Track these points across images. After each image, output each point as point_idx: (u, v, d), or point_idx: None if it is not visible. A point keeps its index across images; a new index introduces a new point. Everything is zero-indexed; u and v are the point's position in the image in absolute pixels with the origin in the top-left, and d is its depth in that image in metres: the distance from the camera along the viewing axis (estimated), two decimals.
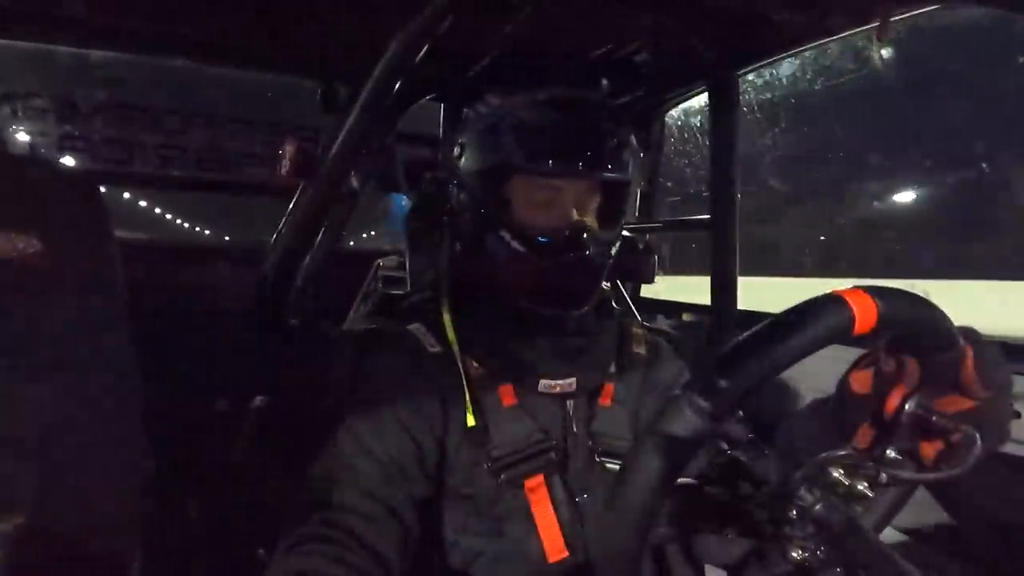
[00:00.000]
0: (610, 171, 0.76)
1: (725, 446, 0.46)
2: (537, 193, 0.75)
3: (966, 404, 0.46)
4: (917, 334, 0.43)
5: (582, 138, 0.75)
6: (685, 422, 0.37)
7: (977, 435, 0.44)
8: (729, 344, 0.38)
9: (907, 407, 0.46)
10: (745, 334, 0.39)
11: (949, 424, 0.44)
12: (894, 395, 0.48)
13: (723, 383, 0.37)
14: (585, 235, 0.73)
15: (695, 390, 0.37)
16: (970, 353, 0.45)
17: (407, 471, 0.70)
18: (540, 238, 0.74)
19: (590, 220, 0.76)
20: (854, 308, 0.38)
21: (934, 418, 0.45)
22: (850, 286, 0.40)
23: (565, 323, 0.79)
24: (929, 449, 0.47)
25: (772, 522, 0.43)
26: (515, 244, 0.74)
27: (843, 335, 0.38)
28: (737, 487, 0.45)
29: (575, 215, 0.75)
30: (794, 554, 0.41)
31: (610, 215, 0.79)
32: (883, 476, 0.44)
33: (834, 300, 0.38)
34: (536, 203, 0.75)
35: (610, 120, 0.78)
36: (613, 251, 0.80)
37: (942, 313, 0.42)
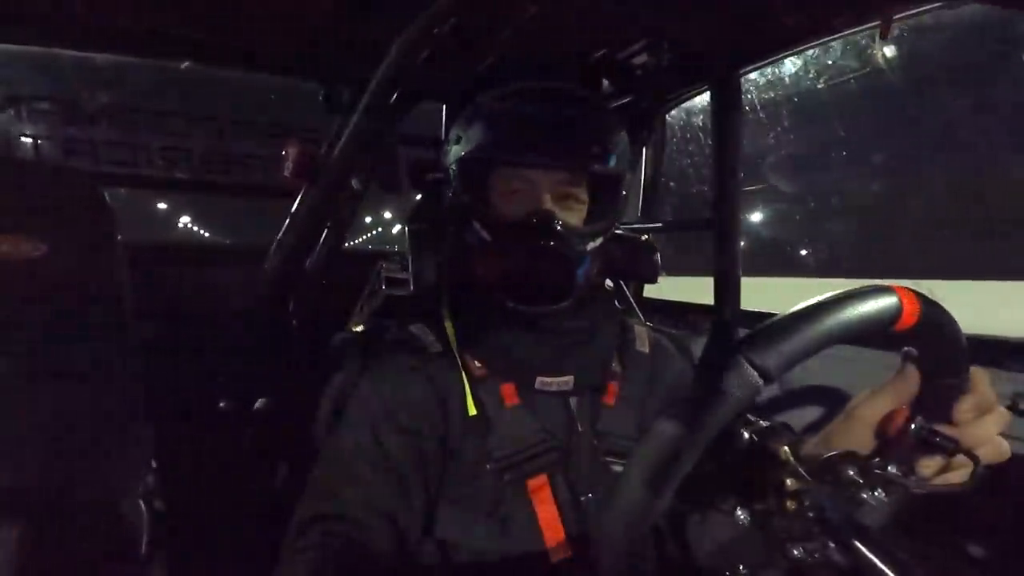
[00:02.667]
0: (584, 161, 0.74)
1: (752, 417, 0.47)
2: (509, 184, 0.74)
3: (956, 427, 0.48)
4: (941, 347, 0.45)
5: (552, 128, 0.73)
6: (740, 377, 0.37)
7: (979, 455, 0.45)
8: (787, 311, 0.40)
9: (912, 425, 0.47)
10: (803, 303, 0.40)
11: (950, 444, 0.45)
12: (900, 412, 0.49)
13: (776, 343, 0.38)
14: (552, 224, 0.71)
15: (751, 348, 0.38)
16: (971, 387, 0.47)
17: (407, 475, 0.70)
18: (506, 225, 0.73)
19: (561, 210, 0.74)
20: (904, 303, 0.40)
21: (937, 439, 0.45)
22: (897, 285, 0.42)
23: (546, 320, 0.77)
24: (929, 466, 0.48)
25: (784, 514, 0.43)
26: (483, 233, 0.74)
27: (889, 325, 0.40)
28: (766, 462, 0.45)
29: (545, 204, 0.73)
30: (795, 552, 0.41)
31: (593, 209, 0.77)
32: (879, 491, 0.44)
33: (887, 290, 0.40)
34: (508, 194, 0.75)
35: (587, 111, 0.77)
36: (590, 246, 0.76)
37: (962, 332, 0.44)
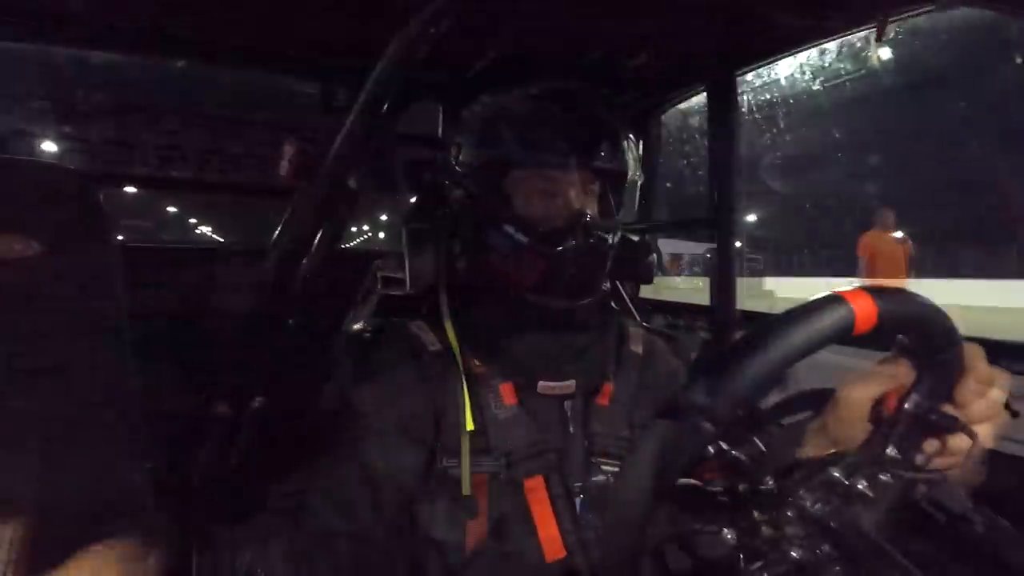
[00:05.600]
0: (606, 161, 0.77)
1: (725, 446, 0.46)
2: (536, 185, 0.76)
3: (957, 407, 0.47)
4: (917, 333, 0.44)
5: (576, 129, 0.76)
6: (684, 422, 0.36)
7: (976, 433, 0.44)
8: (730, 343, 0.38)
9: (906, 406, 0.46)
10: (745, 333, 0.38)
11: (948, 422, 0.45)
12: (893, 393, 0.48)
13: (724, 382, 0.36)
14: (586, 222, 0.74)
15: (695, 389, 0.36)
16: (969, 366, 0.46)
17: (404, 482, 0.71)
18: (543, 228, 0.74)
19: (590, 208, 0.77)
20: (855, 307, 0.38)
21: (933, 417, 0.45)
22: (851, 286, 0.40)
23: (571, 315, 0.78)
24: (927, 448, 0.48)
25: (771, 523, 0.43)
26: (519, 236, 0.75)
27: (844, 334, 0.38)
28: (737, 487, 0.45)
29: (575, 204, 0.75)
30: (794, 554, 0.41)
31: (609, 204, 0.80)
32: (882, 475, 0.44)
33: (834, 299, 0.38)
34: (535, 195, 0.76)
35: (603, 111, 0.79)
36: (613, 240, 0.80)
37: (942, 312, 0.42)
